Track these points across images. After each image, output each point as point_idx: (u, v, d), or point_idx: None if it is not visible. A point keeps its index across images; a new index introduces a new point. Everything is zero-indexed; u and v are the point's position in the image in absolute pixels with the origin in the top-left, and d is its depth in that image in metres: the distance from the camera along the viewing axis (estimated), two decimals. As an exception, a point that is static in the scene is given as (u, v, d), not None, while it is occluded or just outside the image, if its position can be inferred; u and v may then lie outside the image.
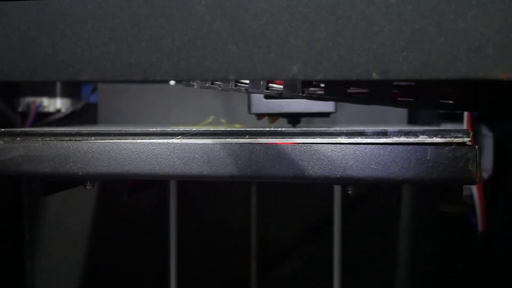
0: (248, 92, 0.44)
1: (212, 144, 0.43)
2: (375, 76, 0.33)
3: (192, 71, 0.35)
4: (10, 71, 0.37)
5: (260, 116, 0.61)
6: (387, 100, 0.41)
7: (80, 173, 0.44)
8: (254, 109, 0.58)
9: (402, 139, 0.41)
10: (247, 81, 0.43)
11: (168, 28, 0.35)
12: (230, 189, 0.80)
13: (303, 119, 0.62)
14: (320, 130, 0.42)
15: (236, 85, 0.44)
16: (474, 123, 0.66)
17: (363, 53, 0.33)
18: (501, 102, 0.42)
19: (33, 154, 0.44)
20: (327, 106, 0.57)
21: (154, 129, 0.44)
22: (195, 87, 0.48)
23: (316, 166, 0.42)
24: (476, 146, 0.41)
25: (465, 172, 0.41)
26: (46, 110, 0.77)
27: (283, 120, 0.63)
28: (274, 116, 0.62)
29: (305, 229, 0.81)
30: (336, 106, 0.58)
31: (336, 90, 0.40)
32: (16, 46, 0.37)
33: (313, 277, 0.80)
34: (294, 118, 0.62)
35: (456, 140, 0.41)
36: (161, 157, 0.43)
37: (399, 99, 0.41)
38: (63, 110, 0.77)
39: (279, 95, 0.43)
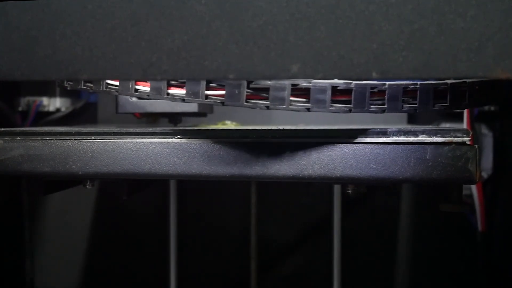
0: (118, 94, 0.44)
1: (212, 143, 0.43)
2: (375, 75, 0.33)
3: (192, 70, 0.35)
4: (10, 70, 0.37)
5: (137, 114, 0.63)
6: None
7: (80, 173, 0.44)
8: (121, 109, 0.60)
9: (402, 139, 0.41)
10: (117, 83, 0.44)
11: (168, 28, 0.35)
12: (230, 189, 0.80)
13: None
14: (320, 130, 0.42)
15: (107, 87, 0.45)
16: (474, 122, 0.66)
17: (363, 52, 0.33)
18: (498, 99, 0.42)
19: (33, 154, 0.44)
20: (190, 106, 0.59)
21: (154, 129, 0.44)
22: (68, 88, 0.48)
23: (316, 166, 0.42)
24: (476, 146, 0.41)
25: (464, 171, 0.41)
26: (46, 109, 0.77)
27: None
28: (154, 116, 0.65)
29: (305, 229, 0.81)
30: (203, 107, 0.60)
31: (195, 92, 0.41)
32: (16, 46, 0.37)
33: (313, 277, 0.80)
34: (174, 117, 0.64)
35: (455, 139, 0.41)
36: (161, 157, 0.43)
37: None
38: (63, 109, 0.77)
39: (146, 97, 0.43)
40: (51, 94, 0.77)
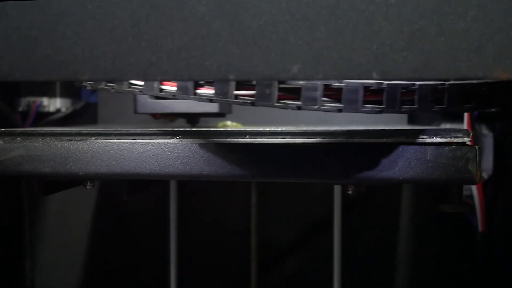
0: (142, 93, 0.44)
1: (212, 144, 0.43)
2: (375, 76, 0.33)
3: (192, 71, 0.35)
4: (10, 71, 0.37)
5: (155, 115, 0.62)
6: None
7: (80, 173, 0.44)
8: (140, 109, 0.60)
9: (402, 139, 0.41)
10: (141, 83, 0.43)
11: (168, 28, 0.35)
12: (230, 189, 0.80)
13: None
14: (320, 130, 0.42)
15: (129, 87, 0.44)
16: (474, 123, 0.66)
17: (363, 53, 0.33)
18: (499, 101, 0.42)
19: (33, 154, 0.44)
20: (211, 107, 0.58)
21: (154, 129, 0.44)
22: (88, 88, 0.48)
23: (316, 166, 0.42)
24: (476, 146, 0.41)
25: (465, 172, 0.41)
26: (46, 110, 0.77)
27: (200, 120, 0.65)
28: (171, 116, 0.64)
29: (305, 229, 0.81)
30: (223, 107, 0.59)
31: (224, 92, 0.40)
32: (16, 46, 0.37)
33: (313, 277, 0.80)
34: (192, 118, 0.64)
35: (456, 140, 0.41)
36: (161, 157, 0.43)
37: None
38: (63, 110, 0.77)
39: (172, 97, 0.42)
40: (51, 95, 0.77)
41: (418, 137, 0.41)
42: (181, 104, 0.59)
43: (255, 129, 0.44)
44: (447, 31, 0.33)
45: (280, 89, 0.40)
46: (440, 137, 0.41)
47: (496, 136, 0.70)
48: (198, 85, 0.41)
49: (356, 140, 0.42)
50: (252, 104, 0.40)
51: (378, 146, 0.41)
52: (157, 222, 0.80)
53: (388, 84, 0.40)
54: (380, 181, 0.41)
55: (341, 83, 0.39)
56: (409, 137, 0.41)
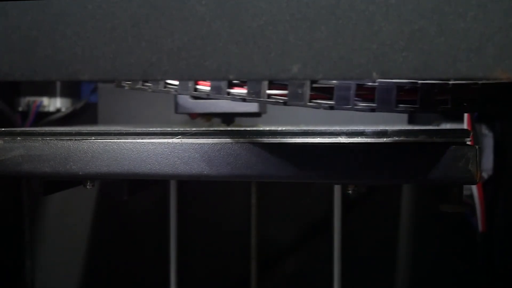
0: (177, 93, 0.44)
1: (213, 144, 0.43)
2: (375, 76, 0.33)
3: (192, 71, 0.35)
4: (10, 70, 0.37)
5: (192, 115, 0.63)
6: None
7: (80, 173, 0.44)
8: (181, 109, 0.60)
9: (402, 139, 0.41)
10: (176, 83, 0.44)
11: (168, 28, 0.35)
12: (230, 189, 0.80)
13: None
14: (320, 130, 0.42)
15: (165, 87, 0.45)
16: (474, 123, 0.66)
17: (363, 53, 0.33)
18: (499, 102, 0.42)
19: (33, 154, 0.44)
20: (251, 106, 0.58)
21: (154, 129, 0.44)
22: (126, 88, 0.48)
23: (316, 166, 0.42)
24: (476, 146, 0.41)
25: (465, 172, 0.41)
26: (46, 109, 0.77)
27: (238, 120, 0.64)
28: (208, 116, 0.64)
29: (305, 229, 0.81)
30: (261, 107, 0.60)
31: (257, 92, 0.40)
32: (16, 46, 0.37)
33: (313, 277, 0.80)
34: (227, 118, 0.64)
35: (456, 140, 0.41)
36: (161, 157, 0.43)
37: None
38: (63, 109, 0.77)
39: (206, 96, 0.43)
40: (51, 94, 0.77)
41: (418, 137, 0.41)
42: (222, 104, 0.59)
43: (255, 129, 0.44)
44: (447, 31, 0.33)
45: (313, 89, 0.39)
46: (440, 137, 0.41)
47: (496, 136, 0.70)
48: (231, 85, 0.41)
49: (356, 140, 0.42)
50: (285, 103, 0.40)
51: (378, 146, 0.41)
52: (157, 222, 0.80)
53: (422, 83, 0.39)
54: (380, 181, 0.41)
55: (375, 82, 0.39)
56: (409, 137, 0.41)
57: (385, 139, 0.41)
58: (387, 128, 0.42)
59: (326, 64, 0.34)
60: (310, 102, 0.40)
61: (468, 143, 0.41)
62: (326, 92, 0.40)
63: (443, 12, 0.33)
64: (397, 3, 0.33)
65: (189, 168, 0.43)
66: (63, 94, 0.77)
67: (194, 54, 0.35)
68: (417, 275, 0.77)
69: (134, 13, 0.35)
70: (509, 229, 0.69)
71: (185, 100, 0.60)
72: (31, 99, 0.76)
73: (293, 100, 0.40)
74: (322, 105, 0.40)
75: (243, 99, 0.41)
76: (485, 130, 0.70)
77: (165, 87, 0.44)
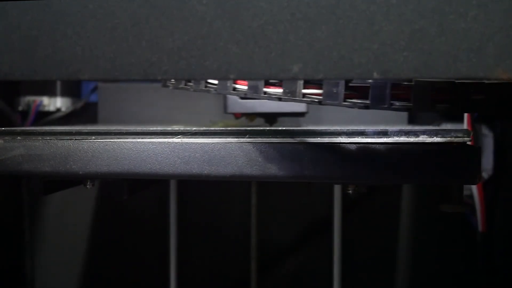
0: (217, 93, 0.45)
1: (213, 143, 0.43)
2: (375, 75, 0.33)
3: (192, 70, 0.35)
4: (11, 70, 0.37)
5: (237, 115, 0.63)
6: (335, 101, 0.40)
7: (81, 172, 0.44)
8: (230, 109, 0.61)
9: (403, 139, 0.41)
10: (216, 82, 0.44)
11: (169, 27, 0.35)
12: (230, 189, 0.80)
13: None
14: (321, 130, 0.42)
15: (206, 86, 0.45)
16: (475, 123, 0.66)
17: (364, 52, 0.33)
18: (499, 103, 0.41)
19: (34, 153, 0.44)
20: (299, 106, 0.58)
21: (154, 129, 0.44)
22: (170, 88, 0.49)
23: (316, 166, 0.42)
24: (477, 146, 0.41)
25: (465, 172, 0.41)
26: (46, 109, 0.77)
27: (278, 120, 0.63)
28: (252, 116, 0.64)
29: (305, 229, 0.81)
30: (308, 107, 0.60)
31: (292, 91, 0.40)
32: (16, 46, 0.37)
33: (313, 277, 0.80)
34: (270, 118, 0.64)
35: (456, 140, 0.41)
36: (161, 157, 0.43)
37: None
38: (63, 109, 0.77)
39: (244, 95, 0.43)
40: (51, 94, 0.77)
41: (418, 137, 0.41)
42: (270, 104, 0.59)
43: (255, 128, 0.44)
44: (447, 31, 0.33)
45: (348, 88, 0.39)
46: (440, 137, 0.41)
47: (496, 136, 0.70)
48: (267, 84, 0.42)
49: (356, 140, 0.42)
50: (319, 103, 0.40)
51: (378, 146, 0.41)
52: (157, 222, 0.80)
53: (459, 83, 0.38)
54: (380, 181, 0.41)
55: (411, 81, 0.38)
56: (409, 137, 0.41)
57: (385, 139, 0.41)
58: (387, 128, 0.42)
59: (327, 63, 0.34)
60: (345, 101, 0.39)
61: (468, 143, 0.41)
62: (362, 92, 0.39)
63: (443, 12, 0.33)
64: (397, 3, 0.33)
65: (189, 168, 0.43)
66: (63, 94, 0.77)
67: (194, 54, 0.35)
68: (417, 275, 0.77)
69: (134, 13, 0.35)
70: (509, 229, 0.69)
71: (235, 100, 0.60)
72: (31, 98, 0.76)
73: (328, 99, 0.39)
74: (357, 104, 0.39)
75: (278, 98, 0.41)
76: (485, 130, 0.70)
77: (205, 86, 0.45)
